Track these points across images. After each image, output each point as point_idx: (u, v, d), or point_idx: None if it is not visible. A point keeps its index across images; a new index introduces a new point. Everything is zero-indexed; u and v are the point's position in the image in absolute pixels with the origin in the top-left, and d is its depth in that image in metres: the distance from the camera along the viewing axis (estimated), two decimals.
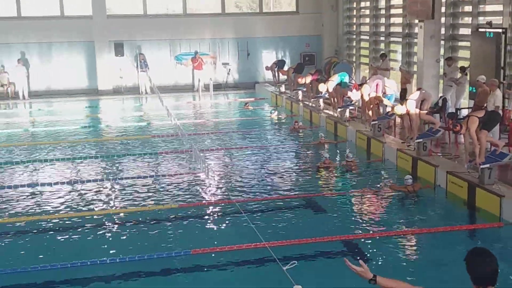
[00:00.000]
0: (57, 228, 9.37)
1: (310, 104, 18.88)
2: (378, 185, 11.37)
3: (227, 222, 9.53)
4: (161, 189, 11.33)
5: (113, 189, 11.47)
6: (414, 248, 8.62)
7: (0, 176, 12.62)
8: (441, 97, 14.93)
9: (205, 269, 7.74)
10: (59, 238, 9.01)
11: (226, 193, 10.78)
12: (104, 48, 25.07)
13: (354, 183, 11.55)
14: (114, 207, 10.35)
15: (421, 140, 12.05)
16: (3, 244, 8.76)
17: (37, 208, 10.37)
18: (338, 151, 14.65)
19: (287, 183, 11.63)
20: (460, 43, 16.61)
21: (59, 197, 10.95)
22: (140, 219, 9.65)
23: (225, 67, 26.06)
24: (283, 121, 18.62)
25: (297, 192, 10.96)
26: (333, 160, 12.99)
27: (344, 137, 15.48)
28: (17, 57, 24.38)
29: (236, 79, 26.28)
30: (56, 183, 11.80)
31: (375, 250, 8.24)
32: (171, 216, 9.72)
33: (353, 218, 9.55)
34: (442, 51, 16.52)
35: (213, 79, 24.86)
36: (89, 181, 11.88)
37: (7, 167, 13.38)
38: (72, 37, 25.07)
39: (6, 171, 13.03)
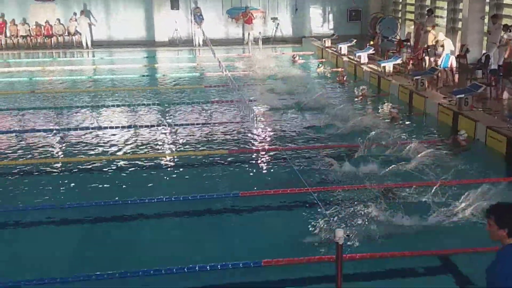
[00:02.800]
0: (117, 167, 9.56)
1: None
2: (423, 137, 11.06)
3: (273, 168, 9.52)
4: (212, 136, 11.39)
5: (167, 135, 11.59)
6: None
7: (66, 120, 12.92)
8: (484, 53, 14.34)
9: (252, 211, 7.81)
10: (118, 177, 9.19)
11: (273, 141, 10.74)
12: (161, 1, 24.98)
13: (399, 134, 11.28)
14: (169, 151, 10.49)
15: (462, 95, 11.65)
16: (75, 180, 8.99)
17: (99, 149, 10.59)
18: (380, 104, 14.33)
19: (330, 133, 11.42)
20: (506, 1, 15.77)
21: (119, 140, 11.14)
22: (193, 163, 9.75)
23: (273, 22, 25.65)
24: (328, 74, 18.28)
25: (339, 142, 10.79)
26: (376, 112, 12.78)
27: (387, 90, 15.12)
28: (80, 9, 24.63)
29: (284, 33, 25.86)
30: (116, 127, 12.01)
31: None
32: (222, 161, 9.78)
33: (397, 168, 9.21)
34: (487, 8, 15.75)
35: (262, 33, 24.53)
36: (146, 126, 12.05)
37: (73, 111, 13.67)
38: None
39: (72, 115, 13.32)
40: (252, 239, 7.00)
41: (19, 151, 10.43)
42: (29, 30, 24.55)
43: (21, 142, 11.06)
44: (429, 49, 15.61)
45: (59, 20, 24.86)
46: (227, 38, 25.87)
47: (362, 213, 7.32)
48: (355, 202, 7.69)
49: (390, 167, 8.98)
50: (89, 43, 24.49)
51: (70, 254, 6.70)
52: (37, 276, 6.03)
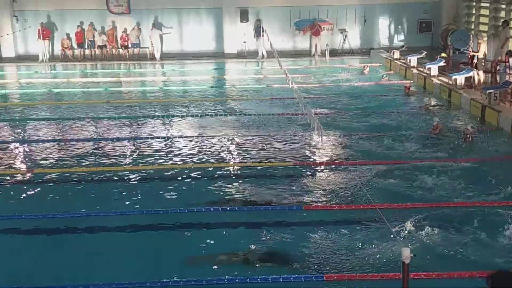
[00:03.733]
0: (183, 176, 9.76)
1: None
2: (496, 153, 10.67)
3: (337, 182, 9.42)
4: (276, 148, 11.42)
5: (234, 145, 11.73)
6: None
7: (138, 128, 13.35)
8: None
9: (315, 224, 7.74)
10: (183, 184, 9.37)
11: (339, 154, 10.64)
12: (231, 14, 25.41)
13: (466, 150, 10.93)
14: (232, 161, 10.60)
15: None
16: (143, 188, 9.27)
17: (169, 156, 10.86)
18: (450, 116, 13.90)
19: (398, 147, 11.20)
20: None
21: (189, 149, 11.39)
22: (257, 174, 9.81)
23: (341, 33, 25.49)
24: (396, 86, 17.93)
25: (408, 158, 10.53)
26: (445, 125, 12.39)
27: (458, 104, 14.66)
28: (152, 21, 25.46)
29: (352, 45, 25.63)
30: (185, 137, 12.29)
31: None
32: (286, 173, 9.78)
33: (471, 185, 8.94)
34: None
35: (330, 45, 24.43)
36: (214, 136, 12.25)
37: (145, 120, 14.11)
38: (202, 4, 25.67)
39: (144, 124, 13.74)
40: (314, 253, 6.95)
41: (92, 158, 10.85)
42: (106, 40, 25.55)
43: (94, 150, 11.50)
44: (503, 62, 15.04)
45: (133, 32, 25.78)
46: (294, 50, 25.94)
47: (431, 232, 7.13)
48: (425, 221, 7.50)
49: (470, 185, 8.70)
50: (158, 56, 25.14)
51: None
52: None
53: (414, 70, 18.83)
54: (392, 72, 20.43)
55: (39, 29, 24.95)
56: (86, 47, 25.41)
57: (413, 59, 19.60)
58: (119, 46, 25.56)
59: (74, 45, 25.57)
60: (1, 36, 25.52)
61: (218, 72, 22.54)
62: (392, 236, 6.90)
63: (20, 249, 7.29)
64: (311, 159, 10.64)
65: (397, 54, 21.60)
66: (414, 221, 7.56)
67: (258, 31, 24.86)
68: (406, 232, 7.22)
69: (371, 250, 6.84)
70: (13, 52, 25.95)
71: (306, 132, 12.43)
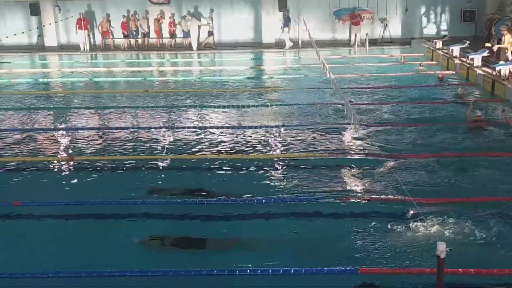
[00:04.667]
0: (223, 165, 9.76)
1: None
2: None
3: (373, 174, 9.26)
4: (312, 139, 11.32)
5: (269, 135, 11.68)
6: None
7: (175, 117, 13.44)
8: None
9: (350, 217, 7.65)
10: (222, 174, 9.39)
11: (375, 146, 10.48)
12: (269, 3, 25.27)
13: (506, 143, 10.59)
14: (272, 152, 10.55)
15: None
16: (175, 176, 9.34)
17: (203, 146, 10.90)
18: (492, 109, 13.50)
19: (436, 140, 10.94)
20: None
21: (224, 139, 11.40)
22: (293, 165, 9.74)
23: (382, 23, 25.06)
24: (434, 76, 17.53)
25: (446, 150, 10.28)
26: (486, 117, 12.06)
27: (501, 95, 14.22)
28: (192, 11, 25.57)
29: (393, 34, 25.17)
30: (222, 127, 12.32)
31: None
32: (321, 165, 9.69)
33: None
34: None
35: (370, 34, 24.05)
36: (250, 127, 12.23)
37: (182, 110, 14.19)
38: None
39: (182, 114, 13.82)
40: (349, 245, 6.87)
41: (129, 146, 10.98)
42: (147, 32, 25.77)
43: (132, 138, 11.64)
44: None
45: (173, 21, 25.95)
46: (333, 40, 25.66)
47: (470, 228, 6.95)
48: (463, 215, 7.32)
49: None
50: (195, 46, 25.24)
51: None
52: None
53: (457, 61, 18.35)
54: (436, 63, 19.98)
55: (78, 19, 25.40)
56: (131, 36, 25.70)
57: (455, 49, 19.11)
58: (167, 36, 25.75)
59: (119, 34, 25.88)
60: (44, 26, 26.10)
61: (256, 62, 22.50)
62: (428, 230, 6.76)
63: (76, 233, 7.45)
64: (347, 150, 10.50)
65: (439, 44, 21.10)
66: (451, 215, 7.37)
67: (286, 22, 24.77)
68: (443, 226, 7.05)
69: (406, 244, 6.71)
70: (55, 42, 26.51)
71: (342, 123, 12.27)
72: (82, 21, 25.42)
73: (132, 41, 25.73)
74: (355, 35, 24.17)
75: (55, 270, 6.32)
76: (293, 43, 24.47)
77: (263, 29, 25.57)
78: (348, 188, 8.61)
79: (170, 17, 25.69)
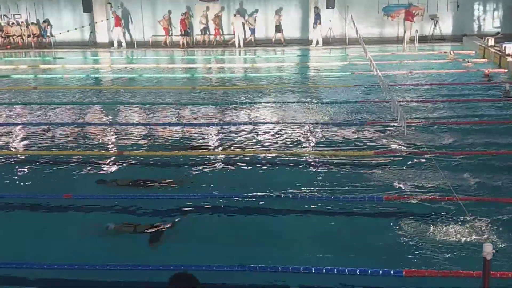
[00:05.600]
0: (264, 162, 9.74)
1: None
2: None
3: (420, 173, 9.03)
4: (357, 136, 11.15)
5: (313, 132, 11.58)
6: None
7: (222, 114, 13.51)
8: None
9: (395, 216, 7.49)
10: (261, 171, 9.34)
11: (422, 144, 10.23)
12: (317, 0, 25.09)
13: None
14: (314, 149, 10.46)
15: None
16: (229, 172, 9.39)
17: (253, 142, 10.90)
18: None
19: (483, 138, 10.57)
20: None
21: (268, 136, 11.37)
22: (338, 162, 9.62)
23: (432, 19, 24.48)
24: (481, 73, 16.99)
25: (493, 149, 9.92)
26: None
27: None
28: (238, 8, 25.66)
29: (443, 31, 24.55)
30: (266, 123, 12.29)
31: None
32: (366, 163, 9.54)
33: None
34: None
35: (419, 31, 23.54)
36: (293, 123, 12.16)
37: (229, 106, 14.25)
38: None
39: (228, 110, 13.87)
40: (394, 246, 6.72)
41: (175, 142, 11.10)
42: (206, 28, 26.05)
43: (178, 135, 11.76)
44: None
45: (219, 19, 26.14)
46: (381, 36, 25.25)
47: None
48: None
49: None
50: (241, 43, 25.33)
51: None
52: None
53: (510, 58, 17.73)
54: (487, 60, 19.36)
55: (115, 17, 25.95)
56: (187, 34, 26.03)
57: (508, 47, 18.46)
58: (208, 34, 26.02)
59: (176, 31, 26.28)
60: (96, 23, 26.74)
61: (302, 59, 22.38)
62: (475, 230, 6.55)
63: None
64: (393, 149, 10.28)
65: (491, 41, 20.45)
66: (499, 215, 7.12)
67: (316, 19, 24.60)
68: (490, 227, 6.81)
69: (452, 245, 6.52)
70: (106, 38, 27.11)
71: (389, 121, 12.05)
72: (119, 19, 25.95)
73: (187, 38, 26.01)
74: (404, 32, 23.69)
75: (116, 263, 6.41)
76: (320, 42, 24.41)
77: (310, 27, 25.40)
78: (393, 186, 8.42)
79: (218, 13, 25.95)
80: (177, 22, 25.89)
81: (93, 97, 16.01)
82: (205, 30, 26.08)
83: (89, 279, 6.14)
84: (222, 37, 26.05)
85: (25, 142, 11.41)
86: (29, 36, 27.31)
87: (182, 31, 25.76)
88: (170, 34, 26.14)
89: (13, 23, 27.73)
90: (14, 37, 27.64)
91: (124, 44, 26.01)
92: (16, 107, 14.66)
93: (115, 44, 26.06)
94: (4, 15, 27.97)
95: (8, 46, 27.02)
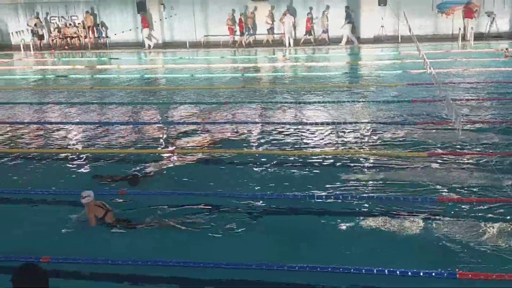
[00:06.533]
0: (310, 162, 9.73)
1: None
2: None
3: (476, 174, 8.80)
4: (411, 136, 10.98)
5: (367, 132, 11.47)
6: None
7: (274, 113, 13.57)
8: None
9: (449, 217, 7.35)
10: (310, 171, 9.34)
11: (477, 144, 9.98)
12: None
13: None
14: (367, 148, 10.37)
15: None
16: (268, 171, 9.44)
17: (300, 142, 10.91)
18: None
19: None
20: None
21: (318, 136, 11.35)
22: (390, 163, 9.51)
23: (488, 16, 23.76)
24: None
25: None
26: None
27: None
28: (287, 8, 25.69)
29: (500, 28, 23.80)
30: (316, 123, 12.26)
31: None
32: (419, 163, 9.38)
33: None
34: None
35: (475, 28, 22.91)
36: (345, 123, 12.08)
37: (277, 106, 14.30)
38: None
39: (279, 110, 13.93)
40: (447, 247, 6.59)
41: (224, 141, 11.23)
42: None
43: (228, 133, 11.89)
44: None
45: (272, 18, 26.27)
46: (435, 34, 24.72)
47: None
48: None
49: None
50: (291, 42, 25.33)
51: None
52: None
53: None
54: None
55: (142, 18, 26.56)
56: (248, 33, 26.33)
57: None
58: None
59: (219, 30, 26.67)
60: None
61: (353, 57, 22.18)
62: None
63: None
64: (448, 149, 10.07)
65: None
66: None
67: (347, 18, 24.46)
68: None
69: (509, 248, 6.34)
70: (160, 39, 27.67)
71: (443, 120, 11.81)
72: (146, 20, 26.51)
73: (249, 37, 26.29)
74: (459, 28, 23.12)
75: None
76: (343, 41, 24.26)
77: (361, 25, 25.14)
78: (447, 187, 8.27)
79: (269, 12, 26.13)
80: (226, 23, 26.18)
81: (147, 96, 16.37)
82: (272, 30, 26.26)
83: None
84: (272, 36, 26.16)
85: (85, 140, 11.80)
86: (85, 37, 28.19)
87: (239, 31, 26.13)
88: (234, 33, 26.45)
89: (70, 25, 28.69)
90: (71, 38, 28.58)
91: (152, 44, 26.63)
92: (73, 106, 15.16)
93: (146, 45, 26.69)
94: (62, 17, 28.97)
95: (66, 47, 27.98)
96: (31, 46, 27.48)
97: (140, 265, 6.29)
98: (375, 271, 5.99)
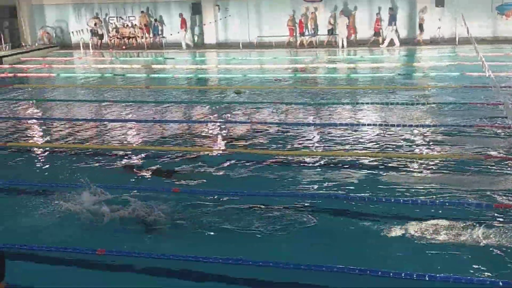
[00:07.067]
0: (367, 164, 9.65)
1: None
2: None
3: None
4: (467, 139, 10.69)
5: (419, 134, 11.26)
6: None
7: (323, 114, 13.52)
8: None
9: (507, 224, 7.11)
10: (367, 173, 9.26)
11: None
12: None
13: None
14: (422, 151, 10.17)
15: None
16: (324, 173, 9.41)
17: (353, 144, 10.82)
18: None
19: None
20: None
21: (370, 137, 11.22)
22: (442, 166, 9.30)
23: None
24: None
25: None
26: None
27: None
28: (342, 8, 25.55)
29: None
30: (368, 124, 12.12)
31: None
32: (476, 167, 9.13)
33: None
34: None
35: None
36: (400, 125, 11.87)
37: (331, 106, 14.23)
38: None
39: (330, 110, 13.87)
40: (503, 255, 6.38)
41: (279, 142, 11.27)
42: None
43: (281, 134, 11.92)
44: None
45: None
46: (494, 36, 23.97)
47: None
48: None
49: None
50: (345, 43, 25.16)
51: None
52: None
53: None
54: None
55: (182, 19, 27.03)
56: (310, 34, 26.43)
57: None
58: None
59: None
60: (204, 25, 27.73)
61: (409, 59, 21.81)
62: None
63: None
64: (504, 153, 9.76)
65: None
66: None
67: (391, 20, 24.07)
68: None
69: None
70: (214, 39, 28.03)
71: (500, 124, 11.44)
72: (184, 22, 26.94)
73: (311, 38, 26.37)
74: None
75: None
76: (397, 42, 23.78)
77: (417, 26, 24.71)
78: (504, 193, 8.01)
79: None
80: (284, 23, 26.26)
81: (199, 95, 16.61)
82: (332, 31, 26.22)
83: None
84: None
85: (140, 137, 12.10)
86: (141, 37, 28.88)
87: (299, 32, 26.28)
88: (294, 34, 26.57)
89: (127, 25, 29.45)
90: (128, 38, 29.33)
91: (184, 45, 27.06)
92: (129, 105, 15.55)
93: (184, 45, 27.21)
94: (120, 17, 29.78)
95: (124, 47, 28.74)
96: (90, 45, 28.37)
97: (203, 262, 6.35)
98: (438, 278, 5.79)
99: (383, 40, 25.05)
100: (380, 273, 5.91)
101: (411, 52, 23.12)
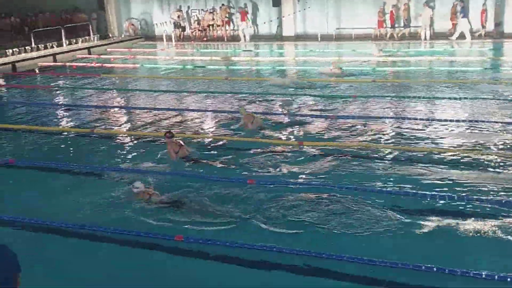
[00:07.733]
0: (453, 160, 9.52)
1: None
2: None
3: None
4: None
5: (496, 131, 10.96)
6: None
7: (400, 108, 13.36)
8: None
9: None
10: (424, 169, 9.10)
11: None
12: None
13: None
14: (490, 149, 9.90)
15: None
16: (395, 167, 9.38)
17: (429, 140, 10.68)
18: None
19: None
20: None
21: (451, 132, 11.03)
22: (484, 163, 9.12)
23: None
24: None
25: None
26: None
27: None
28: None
29: None
30: (445, 120, 11.91)
31: None
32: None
33: None
34: None
35: None
36: (477, 121, 11.61)
37: (409, 100, 14.04)
38: None
39: (407, 104, 13.68)
40: None
41: (355, 134, 11.29)
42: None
43: (354, 127, 11.90)
44: None
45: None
46: None
47: None
48: None
49: None
50: (428, 35, 24.58)
51: None
52: None
53: None
54: None
55: (241, 12, 27.17)
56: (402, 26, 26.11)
57: None
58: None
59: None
60: (283, 17, 27.89)
61: (494, 52, 21.01)
62: None
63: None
64: None
65: None
66: None
67: (462, 11, 23.02)
68: None
69: None
70: (292, 32, 28.14)
71: None
72: (245, 14, 26.90)
73: (392, 30, 26.04)
74: None
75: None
76: (468, 36, 22.76)
77: (505, 19, 23.69)
78: None
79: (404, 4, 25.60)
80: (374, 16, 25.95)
81: (276, 88, 16.77)
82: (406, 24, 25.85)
83: None
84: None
85: (219, 126, 12.51)
86: (221, 29, 29.47)
87: (390, 24, 25.99)
88: (384, 26, 26.28)
89: (210, 13, 29.99)
90: (209, 29, 29.96)
91: (248, 38, 27.07)
92: (209, 95, 16.03)
93: (242, 39, 27.32)
94: (202, 9, 30.52)
95: (205, 39, 29.45)
96: (173, 37, 29.30)
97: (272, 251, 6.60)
98: (496, 277, 5.79)
99: (453, 32, 24.31)
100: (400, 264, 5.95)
101: (497, 46, 22.18)
